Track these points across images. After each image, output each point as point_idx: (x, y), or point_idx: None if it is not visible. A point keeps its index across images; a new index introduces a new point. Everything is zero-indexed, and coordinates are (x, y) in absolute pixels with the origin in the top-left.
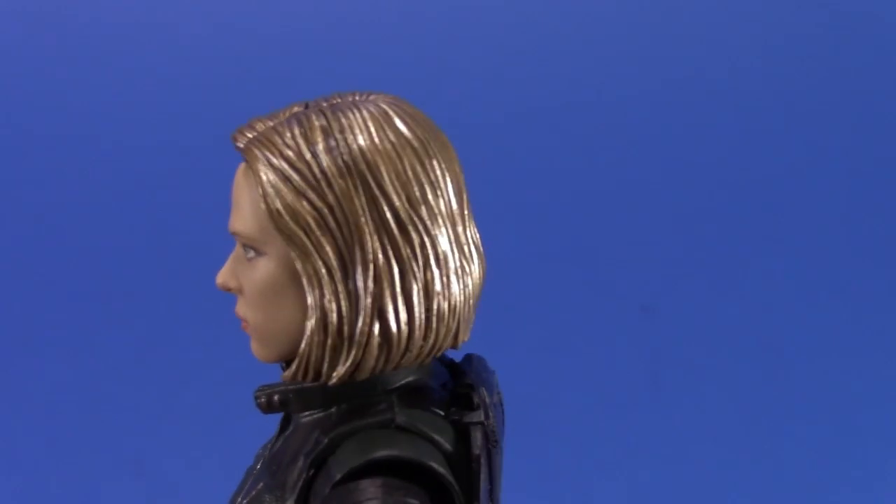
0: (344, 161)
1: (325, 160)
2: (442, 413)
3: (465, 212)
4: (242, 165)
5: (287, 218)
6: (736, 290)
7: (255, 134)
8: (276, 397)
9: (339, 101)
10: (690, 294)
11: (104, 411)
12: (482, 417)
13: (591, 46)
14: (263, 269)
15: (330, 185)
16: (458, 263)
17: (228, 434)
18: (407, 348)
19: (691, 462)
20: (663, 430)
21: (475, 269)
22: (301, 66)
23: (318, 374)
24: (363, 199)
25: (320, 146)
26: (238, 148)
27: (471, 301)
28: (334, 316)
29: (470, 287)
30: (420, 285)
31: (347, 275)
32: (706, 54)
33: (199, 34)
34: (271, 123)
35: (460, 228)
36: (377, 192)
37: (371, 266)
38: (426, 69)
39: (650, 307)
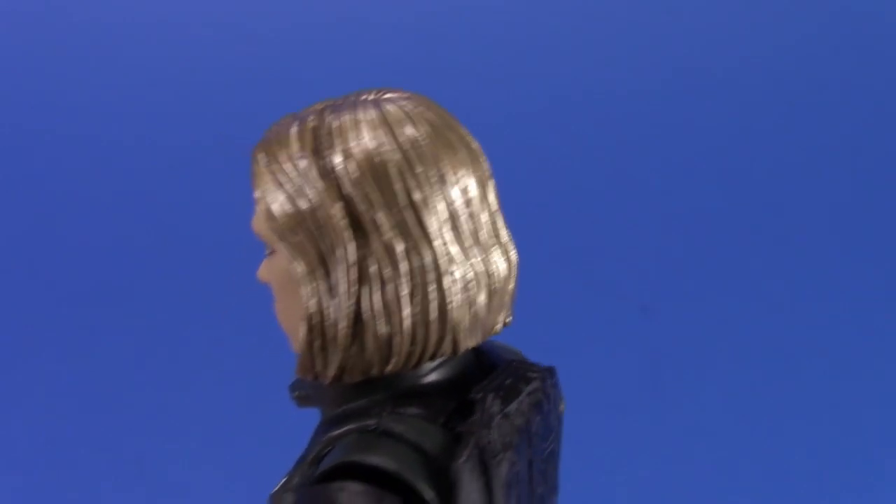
0: (325, 164)
1: (308, 162)
2: (441, 420)
3: (476, 213)
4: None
5: (278, 219)
6: (736, 289)
7: (263, 138)
8: (296, 392)
9: (342, 101)
10: (690, 294)
11: (104, 411)
12: (475, 427)
13: (591, 46)
14: (276, 265)
15: (312, 186)
16: (449, 269)
17: (228, 434)
18: (390, 353)
19: (691, 462)
20: (663, 430)
21: (480, 273)
22: (300, 66)
23: (315, 375)
24: (343, 202)
25: (308, 148)
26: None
27: (473, 307)
28: (318, 317)
29: (471, 292)
30: (404, 291)
31: (329, 277)
32: (706, 54)
33: (199, 34)
34: (276, 128)
35: (464, 232)
36: (358, 195)
37: (350, 270)
38: (426, 69)
39: (650, 307)
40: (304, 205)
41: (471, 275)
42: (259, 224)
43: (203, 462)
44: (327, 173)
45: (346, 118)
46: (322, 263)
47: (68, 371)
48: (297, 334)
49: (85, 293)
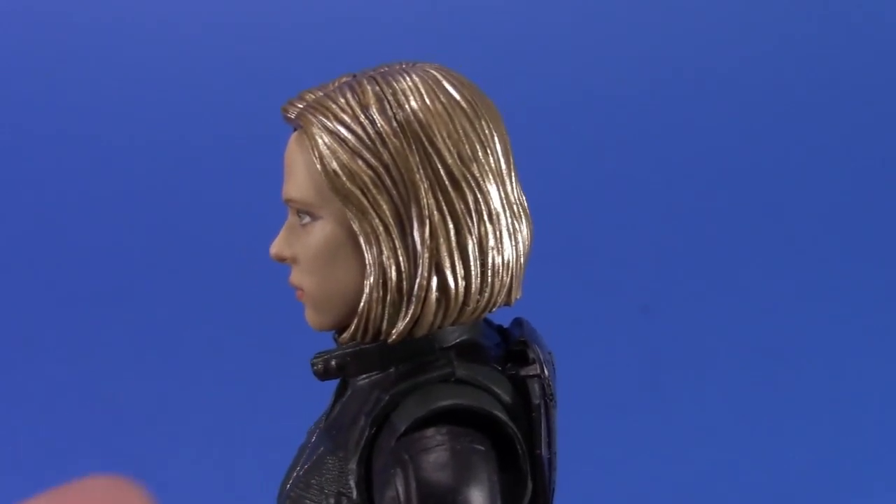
0: (398, 122)
1: (379, 121)
2: (499, 368)
3: (513, 172)
4: (295, 134)
5: (344, 178)
6: (736, 290)
7: (307, 103)
8: (333, 362)
9: (386, 69)
10: (690, 294)
11: (104, 411)
12: (538, 371)
13: (591, 46)
14: (320, 232)
15: (385, 144)
16: (508, 220)
17: (228, 434)
18: (464, 302)
19: (691, 462)
20: (663, 430)
21: (524, 227)
22: (300, 66)
23: (377, 333)
24: (417, 157)
25: (374, 108)
26: (289, 118)
27: (521, 258)
28: (393, 272)
29: (520, 244)
30: (475, 240)
31: (405, 231)
32: (707, 55)
33: (199, 34)
34: (321, 93)
35: (509, 187)
36: (430, 150)
37: (427, 222)
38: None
39: (650, 307)
40: (376, 162)
41: (517, 232)
42: (301, 189)
43: (203, 462)
44: (400, 131)
45: (406, 81)
46: (398, 219)
47: (68, 371)
48: (349, 299)
49: (85, 293)
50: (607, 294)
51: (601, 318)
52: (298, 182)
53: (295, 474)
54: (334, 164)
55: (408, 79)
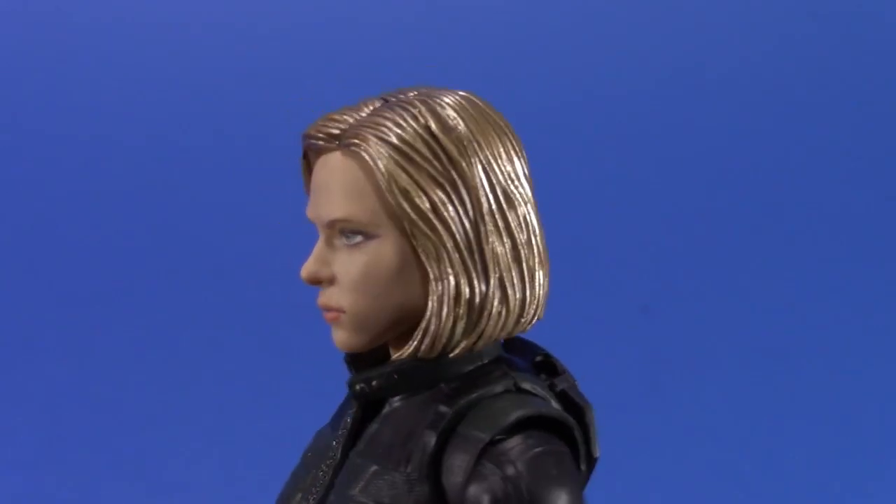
0: (459, 139)
1: (442, 139)
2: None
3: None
4: (336, 155)
5: (413, 196)
6: (736, 290)
7: (349, 124)
8: (374, 382)
9: (415, 92)
10: (690, 294)
11: (104, 411)
12: (571, 380)
13: (590, 45)
14: (374, 251)
15: (451, 161)
16: (543, 236)
17: (228, 434)
18: (520, 315)
19: (691, 462)
20: (663, 430)
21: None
22: (300, 66)
23: (442, 349)
24: (479, 174)
25: (434, 126)
26: (326, 138)
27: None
28: (465, 288)
29: (547, 259)
30: (524, 254)
31: (471, 247)
32: (706, 53)
33: (199, 33)
34: (363, 113)
35: (535, 206)
36: (488, 167)
37: (492, 237)
38: (425, 69)
39: (650, 307)
40: (443, 179)
41: (546, 248)
42: (354, 209)
43: (203, 462)
44: (463, 149)
45: (452, 100)
46: (466, 235)
47: (68, 371)
48: (395, 318)
49: (84, 293)
50: (607, 294)
51: (601, 318)
52: (350, 202)
53: (333, 496)
54: (402, 183)
55: (451, 98)
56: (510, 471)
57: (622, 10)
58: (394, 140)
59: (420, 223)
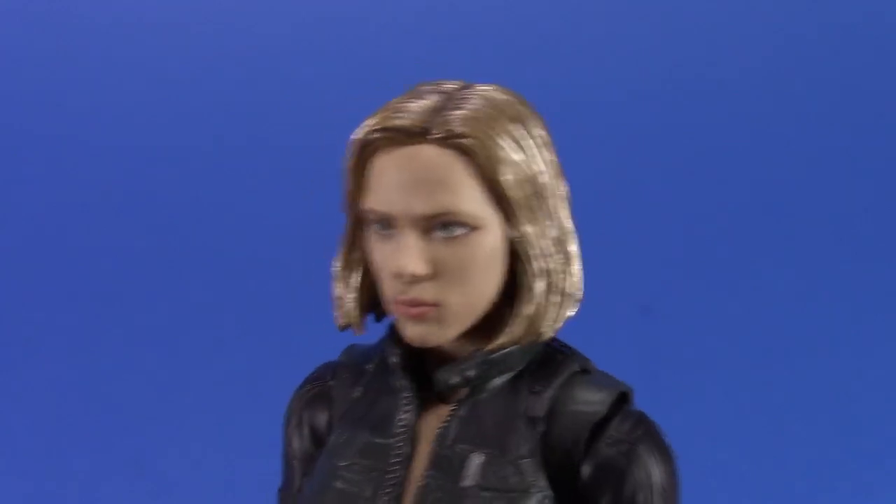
0: (534, 128)
1: (532, 129)
2: None
3: None
4: (432, 147)
5: (521, 185)
6: (736, 290)
7: (444, 117)
8: (471, 373)
9: (458, 84)
10: (690, 294)
11: (104, 411)
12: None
13: (590, 45)
14: (477, 243)
15: (540, 151)
16: None
17: (228, 434)
18: (579, 299)
19: (691, 462)
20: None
21: None
22: (300, 66)
23: (538, 334)
24: (552, 161)
25: (519, 121)
26: (406, 132)
27: None
28: (560, 272)
29: None
30: (576, 240)
31: (558, 234)
32: (706, 54)
33: (199, 33)
34: (442, 106)
35: None
36: (552, 162)
37: (568, 223)
38: (425, 69)
39: (650, 307)
40: (537, 169)
41: None
42: (463, 202)
43: (203, 462)
44: (540, 138)
45: (506, 94)
46: (556, 221)
47: (68, 371)
48: (486, 306)
49: (85, 293)
50: (607, 294)
51: (601, 318)
52: (459, 194)
53: (430, 496)
54: (509, 175)
55: (503, 93)
56: (644, 442)
57: (623, 11)
58: (499, 136)
59: (526, 212)
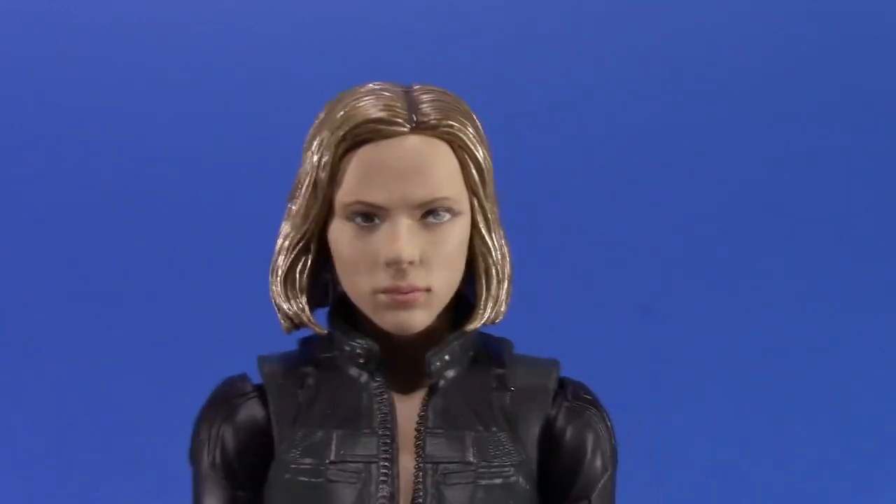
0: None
1: (478, 124)
2: None
3: None
4: (416, 137)
5: (488, 172)
6: (736, 290)
7: (434, 109)
8: (448, 357)
9: (419, 84)
10: (690, 294)
11: (104, 411)
12: None
13: (589, 45)
14: (458, 227)
15: (485, 142)
16: None
17: None
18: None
19: (691, 462)
20: (662, 431)
21: None
22: (300, 66)
23: (500, 314)
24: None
25: (472, 115)
26: (399, 123)
27: None
28: (509, 259)
29: None
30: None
31: (500, 221)
32: (706, 54)
33: (199, 33)
34: (422, 99)
35: None
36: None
37: (497, 211)
38: (425, 69)
39: (650, 307)
40: (489, 158)
41: None
42: (448, 188)
43: None
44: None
45: (457, 96)
46: (495, 207)
47: (68, 371)
48: (454, 291)
49: (84, 293)
50: (607, 294)
51: (601, 318)
52: (449, 181)
53: (429, 478)
54: (480, 160)
55: (446, 91)
56: (594, 408)
57: (622, 11)
58: (478, 125)
59: (487, 198)
